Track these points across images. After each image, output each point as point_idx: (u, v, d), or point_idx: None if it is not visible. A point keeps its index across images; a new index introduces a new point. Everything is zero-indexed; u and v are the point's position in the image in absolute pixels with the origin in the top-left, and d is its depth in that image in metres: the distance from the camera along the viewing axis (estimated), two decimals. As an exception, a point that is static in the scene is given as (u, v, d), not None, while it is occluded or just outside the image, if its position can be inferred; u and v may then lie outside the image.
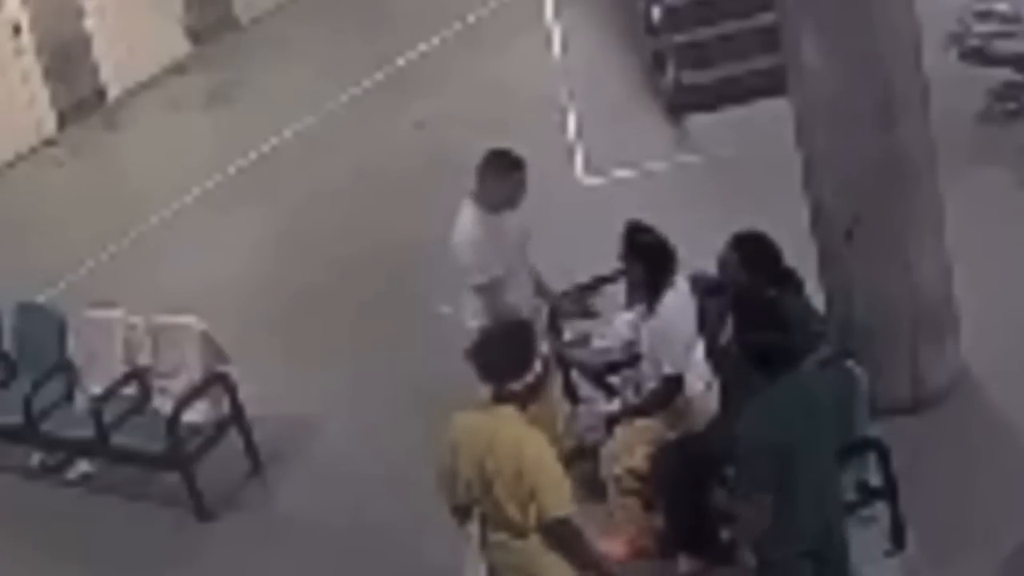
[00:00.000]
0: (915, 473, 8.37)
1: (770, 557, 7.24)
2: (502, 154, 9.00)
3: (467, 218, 8.91)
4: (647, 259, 8.57)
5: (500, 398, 7.00)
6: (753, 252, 8.60)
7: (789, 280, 8.72)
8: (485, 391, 7.11)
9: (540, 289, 9.31)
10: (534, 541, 7.06)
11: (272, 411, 10.68)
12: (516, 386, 6.95)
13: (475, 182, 8.94)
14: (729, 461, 8.36)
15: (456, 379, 9.67)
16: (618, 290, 9.38)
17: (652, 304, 8.56)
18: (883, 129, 9.00)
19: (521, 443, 6.94)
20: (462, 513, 7.29)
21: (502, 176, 8.91)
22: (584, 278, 9.89)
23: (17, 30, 15.79)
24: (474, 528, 7.23)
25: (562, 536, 7.00)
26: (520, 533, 7.03)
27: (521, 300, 9.00)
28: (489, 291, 8.84)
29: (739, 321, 7.37)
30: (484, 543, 7.21)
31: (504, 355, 7.03)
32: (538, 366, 7.01)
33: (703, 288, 8.86)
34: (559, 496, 6.95)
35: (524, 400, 7.00)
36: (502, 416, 6.99)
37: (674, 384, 8.52)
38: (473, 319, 8.89)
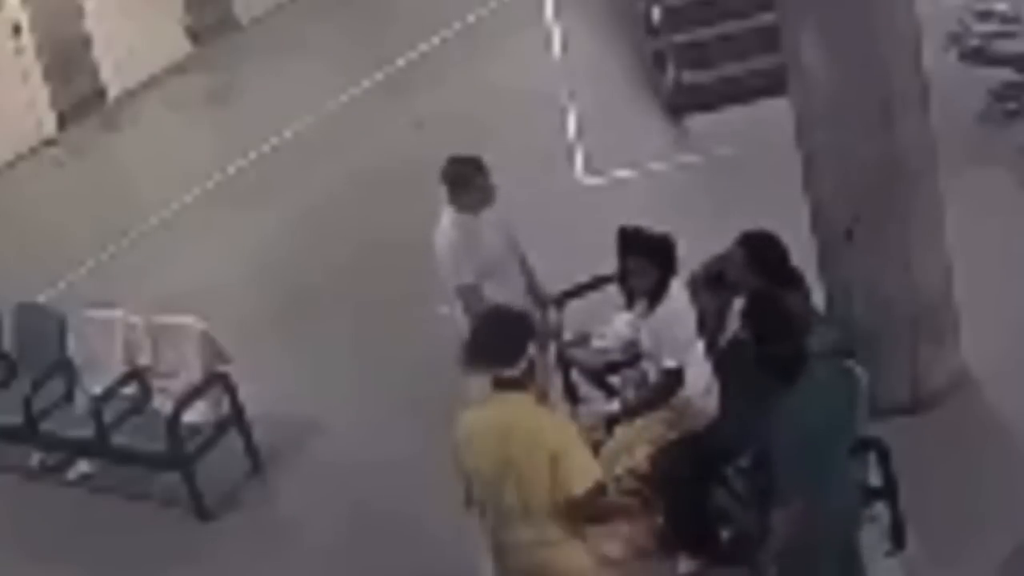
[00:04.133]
0: (915, 473, 8.37)
1: (797, 564, 7.27)
2: (458, 161, 9.02)
3: (445, 222, 9.00)
4: (658, 258, 8.54)
5: (501, 385, 6.97)
6: (760, 250, 8.61)
7: (795, 283, 8.73)
8: (477, 391, 7.11)
9: (533, 287, 9.31)
10: (557, 534, 7.05)
11: (272, 411, 10.68)
12: (512, 372, 6.92)
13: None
14: (729, 461, 8.41)
15: (455, 379, 9.72)
16: (618, 290, 9.39)
17: (654, 303, 8.56)
18: (883, 129, 9.00)
19: (543, 428, 6.96)
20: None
21: (464, 183, 8.95)
22: (584, 278, 9.91)
23: (17, 30, 15.79)
24: (484, 529, 7.23)
25: (589, 511, 7.03)
26: (546, 518, 7.00)
27: (511, 298, 9.00)
28: (465, 295, 8.88)
29: (756, 331, 7.39)
30: (499, 548, 7.19)
31: (497, 341, 7.00)
32: (531, 350, 6.97)
33: (703, 279, 8.86)
34: (585, 472, 6.96)
35: (525, 384, 6.98)
36: (515, 403, 6.97)
37: (675, 377, 8.52)
38: (460, 320, 9.01)
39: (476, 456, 7.08)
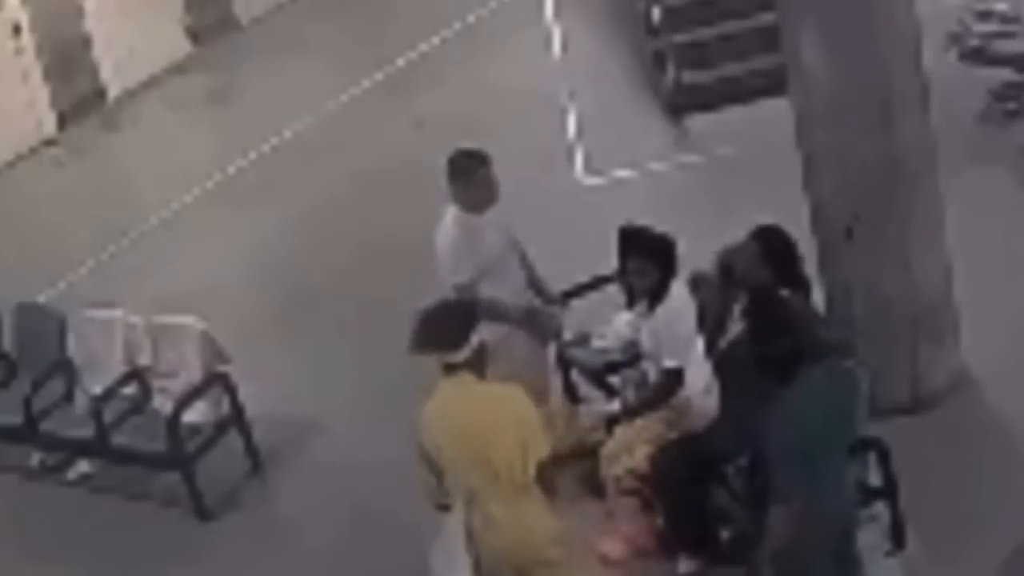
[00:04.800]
0: (915, 473, 8.37)
1: (794, 563, 7.25)
2: (462, 155, 9.02)
3: (447, 221, 8.99)
4: (659, 258, 8.55)
5: (449, 370, 7.31)
6: (774, 246, 8.60)
7: (800, 283, 8.74)
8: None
9: (534, 281, 9.30)
10: (529, 508, 7.33)
11: (272, 411, 10.68)
12: (457, 357, 7.27)
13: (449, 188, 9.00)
14: (729, 461, 8.40)
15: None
16: (618, 290, 9.39)
17: (654, 303, 8.56)
18: (883, 129, 9.00)
19: (507, 398, 7.33)
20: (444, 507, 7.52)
21: (468, 177, 8.93)
22: (584, 278, 9.90)
23: (17, 30, 15.79)
24: (458, 518, 7.37)
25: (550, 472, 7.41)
26: (520, 489, 7.27)
27: (510, 296, 9.02)
28: (461, 294, 8.90)
29: (755, 327, 7.38)
30: (470, 532, 7.31)
31: (442, 327, 7.36)
32: (475, 341, 7.31)
33: (711, 286, 8.86)
34: (544, 434, 7.38)
35: (474, 369, 7.34)
36: (464, 385, 7.29)
37: (675, 377, 8.52)
38: None
39: (441, 440, 7.32)
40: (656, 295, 8.55)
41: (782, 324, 7.30)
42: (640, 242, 8.62)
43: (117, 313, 10.75)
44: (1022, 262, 10.29)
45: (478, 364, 7.34)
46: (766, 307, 7.49)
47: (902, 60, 9.02)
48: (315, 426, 10.72)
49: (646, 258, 8.54)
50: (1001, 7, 12.38)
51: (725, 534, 8.64)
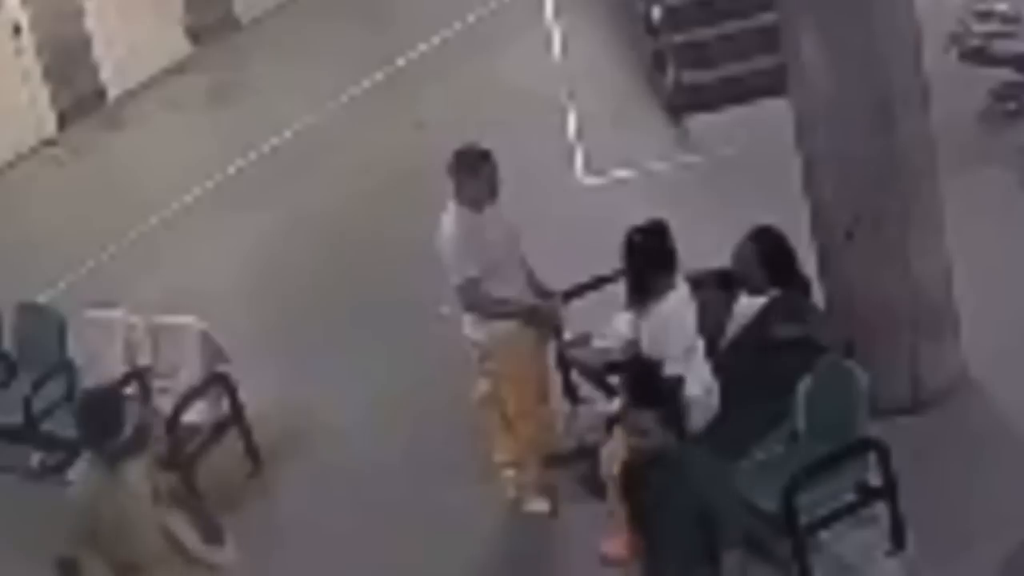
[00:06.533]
0: (915, 473, 8.37)
1: None
2: (467, 151, 9.06)
3: (449, 218, 9.01)
4: (642, 260, 8.57)
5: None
6: (772, 248, 8.64)
7: (798, 284, 8.76)
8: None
9: (533, 285, 9.31)
10: None
11: (272, 411, 10.68)
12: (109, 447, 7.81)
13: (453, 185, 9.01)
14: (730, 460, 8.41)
15: (455, 379, 9.72)
16: (618, 290, 9.39)
17: (645, 305, 8.57)
18: (883, 129, 9.01)
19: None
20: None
21: (473, 172, 8.96)
22: (584, 278, 9.91)
23: (17, 30, 15.78)
24: None
25: None
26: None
27: (513, 293, 9.03)
28: (466, 290, 8.90)
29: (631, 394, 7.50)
30: None
31: (94, 421, 7.94)
32: (128, 431, 7.80)
33: (711, 286, 8.88)
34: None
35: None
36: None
37: (676, 385, 8.51)
38: (465, 317, 9.11)
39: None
40: (656, 295, 8.55)
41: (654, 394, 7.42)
42: (628, 241, 8.64)
43: (117, 313, 10.75)
44: (1022, 262, 10.29)
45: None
46: (643, 386, 7.60)
47: (902, 60, 9.03)
48: (315, 426, 10.71)
49: (644, 259, 8.55)
50: (1001, 7, 12.37)
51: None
